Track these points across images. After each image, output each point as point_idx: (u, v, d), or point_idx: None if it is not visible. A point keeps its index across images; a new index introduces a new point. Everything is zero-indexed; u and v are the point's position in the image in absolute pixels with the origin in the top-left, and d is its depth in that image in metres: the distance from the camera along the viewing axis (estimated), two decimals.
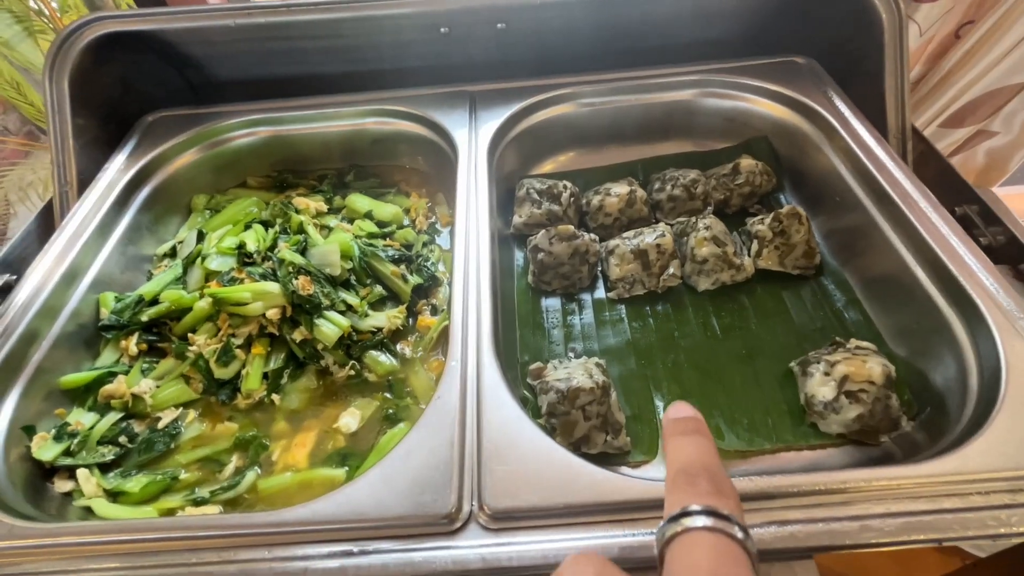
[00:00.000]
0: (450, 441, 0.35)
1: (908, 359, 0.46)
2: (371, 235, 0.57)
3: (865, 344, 0.46)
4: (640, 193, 0.60)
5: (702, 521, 0.20)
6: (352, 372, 0.49)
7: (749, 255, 0.55)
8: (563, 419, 0.43)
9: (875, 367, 0.42)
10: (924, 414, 0.42)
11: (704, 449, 0.24)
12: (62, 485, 0.42)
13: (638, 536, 0.32)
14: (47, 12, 1.11)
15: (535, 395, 0.46)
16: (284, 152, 0.67)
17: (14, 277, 0.52)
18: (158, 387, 0.48)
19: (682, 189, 0.60)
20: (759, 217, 0.55)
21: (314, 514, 0.33)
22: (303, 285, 0.48)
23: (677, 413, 0.26)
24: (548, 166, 0.66)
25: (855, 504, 0.32)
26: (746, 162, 0.60)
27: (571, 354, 0.51)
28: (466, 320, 0.43)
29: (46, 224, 0.60)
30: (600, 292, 0.56)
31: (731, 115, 0.64)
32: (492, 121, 0.60)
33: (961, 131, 0.89)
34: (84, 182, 0.59)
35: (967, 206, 0.54)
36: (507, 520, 0.32)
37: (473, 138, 0.58)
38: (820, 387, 0.44)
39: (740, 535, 0.20)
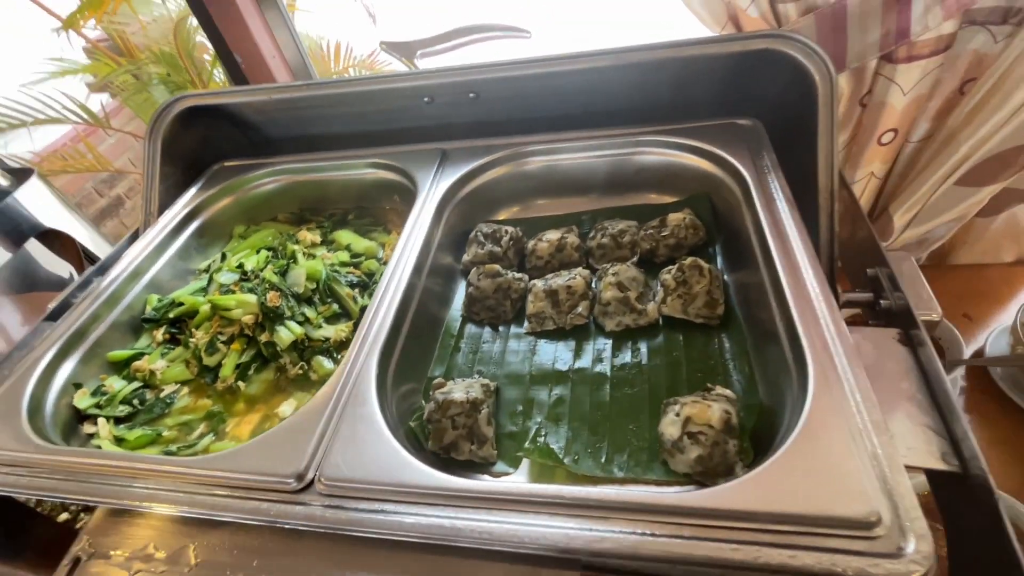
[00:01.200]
0: (315, 423, 0.45)
1: (771, 409, 0.47)
2: (341, 263, 0.70)
3: (725, 392, 0.48)
4: (571, 240, 0.66)
5: None
6: (300, 371, 0.61)
7: (655, 302, 0.59)
8: (435, 426, 0.51)
9: (716, 412, 0.45)
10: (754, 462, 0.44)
11: None
12: (88, 428, 0.58)
13: (433, 518, 0.38)
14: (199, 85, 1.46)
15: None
16: (304, 194, 0.84)
17: (99, 275, 0.72)
18: (168, 367, 0.64)
19: (610, 238, 0.65)
20: (667, 268, 0.59)
21: (218, 461, 0.45)
22: (271, 299, 0.62)
23: None
24: (504, 214, 0.75)
25: (611, 520, 0.36)
26: (673, 216, 0.64)
27: (476, 375, 0.58)
28: (367, 334, 0.53)
29: (132, 242, 0.81)
30: (523, 326, 0.63)
31: (676, 172, 0.69)
32: (454, 174, 0.71)
33: (985, 189, 0.82)
34: (163, 213, 0.80)
35: (880, 268, 0.53)
36: (337, 488, 0.41)
37: (433, 187, 0.70)
38: (669, 426, 0.47)
39: None
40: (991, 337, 0.86)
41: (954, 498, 0.39)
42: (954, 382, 0.81)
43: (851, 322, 0.52)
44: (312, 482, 0.42)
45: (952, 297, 0.95)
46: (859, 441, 0.36)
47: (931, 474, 0.40)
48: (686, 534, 0.34)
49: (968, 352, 0.83)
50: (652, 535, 0.34)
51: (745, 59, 0.63)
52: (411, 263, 0.60)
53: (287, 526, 0.40)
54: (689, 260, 0.58)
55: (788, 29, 0.68)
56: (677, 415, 0.47)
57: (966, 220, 0.90)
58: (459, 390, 0.52)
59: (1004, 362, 0.81)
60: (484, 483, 0.45)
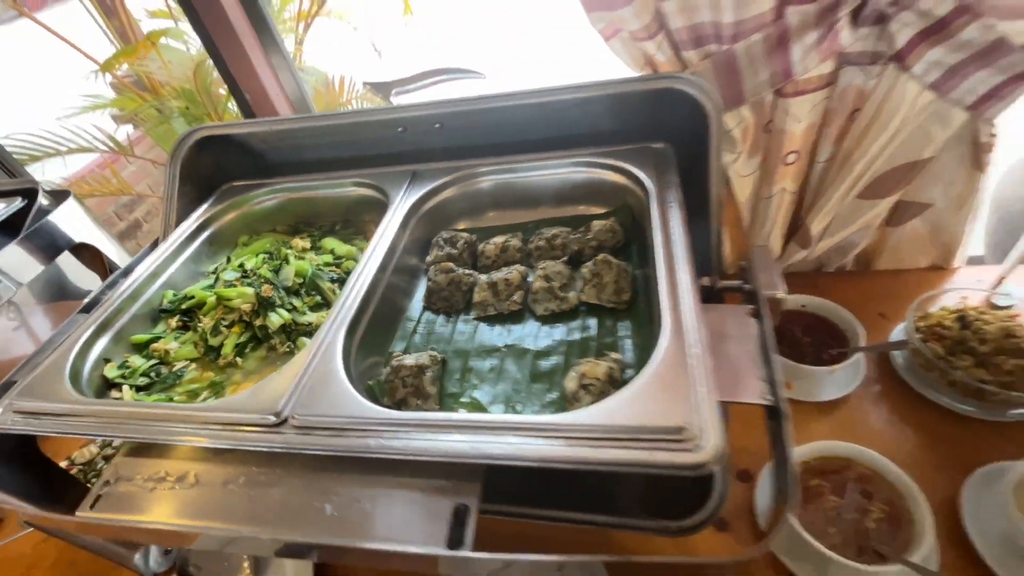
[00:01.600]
0: (292, 379, 0.58)
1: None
2: (325, 264, 0.84)
3: (614, 355, 0.61)
4: (514, 243, 0.80)
5: None
6: (287, 349, 0.74)
7: (575, 291, 0.72)
8: (389, 384, 0.64)
9: (603, 368, 0.57)
10: None
11: None
12: (114, 394, 0.72)
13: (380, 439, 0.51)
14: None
15: None
16: (298, 210, 0.99)
17: (124, 276, 0.87)
18: (179, 347, 0.77)
19: (545, 241, 0.79)
20: (586, 263, 0.73)
21: (214, 406, 0.58)
22: (265, 290, 0.76)
23: None
24: (463, 223, 0.89)
25: (504, 434, 0.48)
26: (596, 223, 0.78)
27: (430, 350, 0.71)
28: (338, 315, 0.66)
29: (153, 250, 0.96)
30: (471, 312, 0.76)
31: (600, 187, 0.83)
32: (420, 190, 0.86)
33: (882, 202, 0.95)
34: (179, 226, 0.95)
35: (747, 260, 0.66)
36: (307, 421, 0.54)
37: (402, 202, 0.84)
38: (570, 382, 0.59)
39: None
40: (894, 332, 0.98)
41: (774, 424, 0.51)
42: (856, 365, 0.92)
43: (729, 302, 0.65)
44: (287, 419, 0.55)
45: (871, 298, 1.08)
46: (687, 377, 0.48)
47: (761, 407, 0.52)
48: (556, 444, 0.46)
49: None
50: (530, 443, 0.47)
51: (656, 95, 0.77)
52: (377, 261, 0.73)
53: (266, 450, 0.53)
54: (601, 256, 0.71)
55: (691, 71, 0.83)
56: (575, 372, 0.59)
57: (872, 229, 1.03)
58: (411, 358, 0.65)
59: (881, 348, 0.94)
60: (419, 413, 0.57)
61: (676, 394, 0.48)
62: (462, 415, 0.51)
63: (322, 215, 0.98)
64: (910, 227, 1.03)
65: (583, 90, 0.80)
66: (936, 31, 0.74)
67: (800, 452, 0.78)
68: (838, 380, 0.91)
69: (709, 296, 0.63)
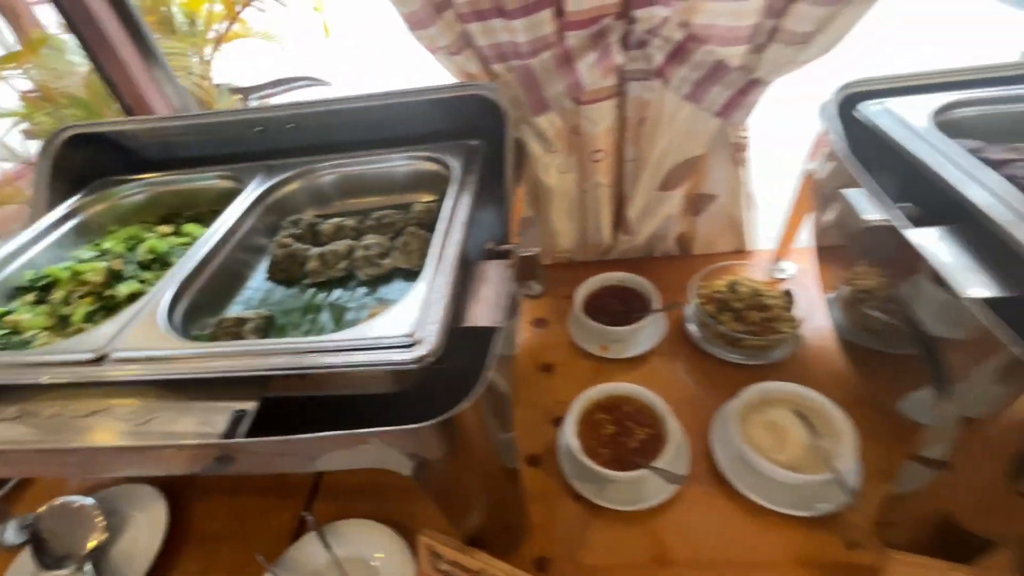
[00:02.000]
0: (119, 324, 0.68)
1: None
2: (182, 244, 0.94)
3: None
4: (349, 223, 0.93)
5: None
6: None
7: (390, 258, 0.86)
8: (211, 334, 0.74)
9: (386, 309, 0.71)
10: None
11: None
12: None
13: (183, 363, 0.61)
14: None
15: None
16: (168, 201, 1.08)
17: None
18: (32, 318, 0.84)
19: (375, 221, 0.93)
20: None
21: (44, 349, 0.66)
22: (115, 264, 0.85)
23: None
24: (312, 210, 1.01)
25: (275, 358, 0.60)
26: (418, 204, 0.92)
27: (261, 310, 0.82)
28: (173, 277, 0.77)
29: None
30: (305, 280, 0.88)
31: (425, 176, 0.97)
32: (271, 181, 0.98)
33: (676, 192, 1.15)
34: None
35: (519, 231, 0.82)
36: (124, 356, 0.64)
37: (253, 191, 0.96)
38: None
39: None
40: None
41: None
42: (655, 326, 1.10)
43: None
44: (107, 355, 0.65)
45: (687, 275, 1.27)
46: (430, 306, 0.62)
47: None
48: (310, 356, 0.59)
49: None
50: (289, 359, 0.59)
51: (468, 100, 0.93)
52: (218, 236, 0.85)
53: (88, 381, 0.62)
54: (411, 228, 0.85)
55: (499, 81, 1.01)
56: (368, 315, 0.72)
57: (676, 217, 1.23)
58: (235, 313, 0.76)
59: (666, 308, 1.12)
60: (213, 344, 0.68)
61: (416, 315, 0.61)
62: (245, 343, 0.63)
63: (188, 206, 1.07)
64: (707, 215, 1.24)
65: (411, 95, 0.96)
66: (678, 54, 0.94)
67: (594, 392, 0.94)
68: (640, 339, 1.09)
69: (492, 255, 0.78)
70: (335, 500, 0.95)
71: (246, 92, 1.07)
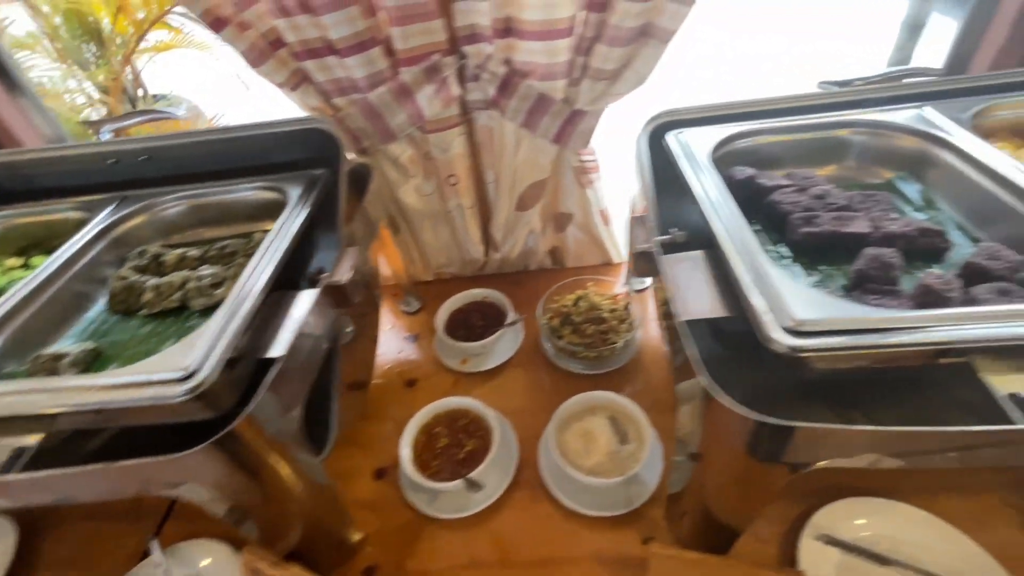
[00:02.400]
0: None
1: None
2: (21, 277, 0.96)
3: None
4: (192, 253, 0.97)
5: None
6: None
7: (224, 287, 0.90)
8: (28, 371, 0.77)
9: None
10: None
11: None
12: None
13: None
14: None
15: None
16: (29, 232, 1.09)
17: None
18: None
19: (217, 251, 0.96)
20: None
21: None
22: None
23: None
24: (160, 240, 1.05)
25: None
26: (257, 234, 0.96)
27: (88, 343, 0.85)
28: None
29: None
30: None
31: (270, 205, 1.01)
32: (124, 211, 1.01)
33: (531, 212, 1.22)
34: None
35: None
36: None
37: (103, 221, 0.98)
38: None
39: None
40: None
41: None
42: (513, 339, 1.17)
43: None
44: None
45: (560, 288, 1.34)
46: (219, 337, 0.67)
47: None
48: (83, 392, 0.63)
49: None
50: (52, 397, 0.62)
51: (308, 133, 0.98)
52: (50, 270, 0.87)
53: None
54: (239, 259, 0.89)
55: (341, 114, 1.06)
56: None
57: (538, 234, 1.30)
58: (54, 348, 0.79)
59: (512, 322, 1.19)
60: (15, 382, 0.71)
61: (202, 348, 0.66)
62: (40, 380, 0.66)
63: (45, 238, 1.09)
64: (570, 232, 1.31)
65: (258, 128, 1.01)
66: (506, 87, 1.01)
67: (434, 406, 1.00)
68: (496, 352, 1.15)
69: (311, 283, 0.83)
70: (189, 521, 0.98)
71: (96, 125, 1.09)
